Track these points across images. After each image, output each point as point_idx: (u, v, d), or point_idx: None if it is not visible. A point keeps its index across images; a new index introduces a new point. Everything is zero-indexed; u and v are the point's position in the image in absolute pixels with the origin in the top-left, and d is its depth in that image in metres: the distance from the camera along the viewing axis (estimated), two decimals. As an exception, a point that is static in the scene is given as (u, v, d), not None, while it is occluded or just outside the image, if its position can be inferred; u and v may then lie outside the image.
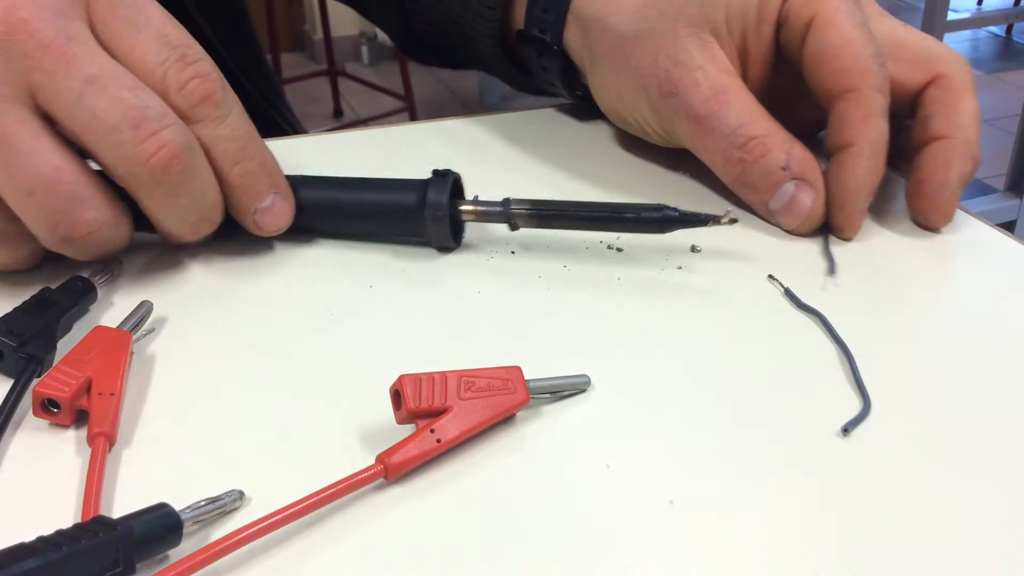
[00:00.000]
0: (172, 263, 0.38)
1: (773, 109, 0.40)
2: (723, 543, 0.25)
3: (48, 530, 0.23)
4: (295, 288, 0.36)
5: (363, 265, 0.38)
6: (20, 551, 0.22)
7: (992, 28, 3.53)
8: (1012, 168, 2.11)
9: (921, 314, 0.35)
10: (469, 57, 0.54)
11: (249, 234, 0.37)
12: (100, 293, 0.35)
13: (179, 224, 0.35)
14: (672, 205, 0.36)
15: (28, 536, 0.23)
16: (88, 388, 0.29)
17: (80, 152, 0.33)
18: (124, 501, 0.26)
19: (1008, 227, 1.96)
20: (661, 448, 0.28)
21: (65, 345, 0.32)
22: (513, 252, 0.39)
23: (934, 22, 3.13)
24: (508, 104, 2.90)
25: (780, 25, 0.41)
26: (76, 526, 0.23)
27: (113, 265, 0.36)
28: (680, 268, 0.38)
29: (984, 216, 0.42)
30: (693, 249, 0.39)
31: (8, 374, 0.31)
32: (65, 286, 0.33)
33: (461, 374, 0.29)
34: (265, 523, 0.24)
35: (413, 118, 2.58)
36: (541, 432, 0.29)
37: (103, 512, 0.25)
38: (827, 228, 0.40)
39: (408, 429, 0.28)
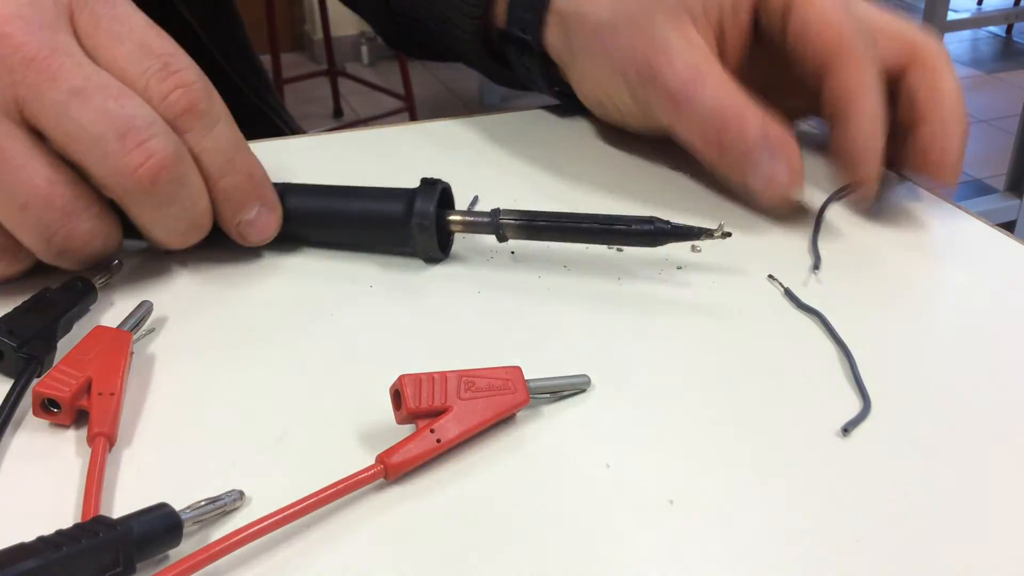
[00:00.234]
0: (172, 263, 0.38)
1: (751, 96, 0.41)
2: (723, 543, 0.25)
3: (48, 530, 0.23)
4: (295, 288, 0.36)
5: (363, 266, 0.38)
6: (20, 551, 0.22)
7: (992, 28, 3.53)
8: (1012, 168, 2.11)
9: (921, 314, 0.35)
10: (452, 52, 0.55)
11: None
12: (99, 294, 0.35)
13: (168, 233, 0.35)
14: (665, 214, 0.36)
15: (28, 536, 0.23)
16: (88, 388, 0.29)
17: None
18: (124, 501, 0.26)
19: (1008, 227, 1.96)
20: (661, 448, 0.28)
21: (65, 345, 0.32)
22: (513, 252, 0.39)
23: (934, 22, 3.13)
24: (508, 104, 2.90)
25: (758, 10, 0.42)
26: (76, 526, 0.23)
27: (113, 268, 0.36)
28: (680, 268, 0.38)
29: (984, 216, 0.42)
30: (693, 249, 0.39)
31: (8, 374, 0.31)
32: (65, 286, 0.33)
33: (461, 374, 0.29)
34: (265, 523, 0.24)
35: (413, 118, 2.58)
36: (541, 432, 0.29)
37: (103, 512, 0.25)
38: (818, 222, 0.40)
39: (407, 429, 0.28)
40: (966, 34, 3.49)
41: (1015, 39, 3.53)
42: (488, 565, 0.24)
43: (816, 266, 0.38)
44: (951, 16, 3.18)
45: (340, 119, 2.92)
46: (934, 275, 0.38)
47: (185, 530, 0.25)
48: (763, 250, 0.39)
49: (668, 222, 0.36)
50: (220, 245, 0.37)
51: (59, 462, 0.28)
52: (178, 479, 0.27)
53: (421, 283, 0.37)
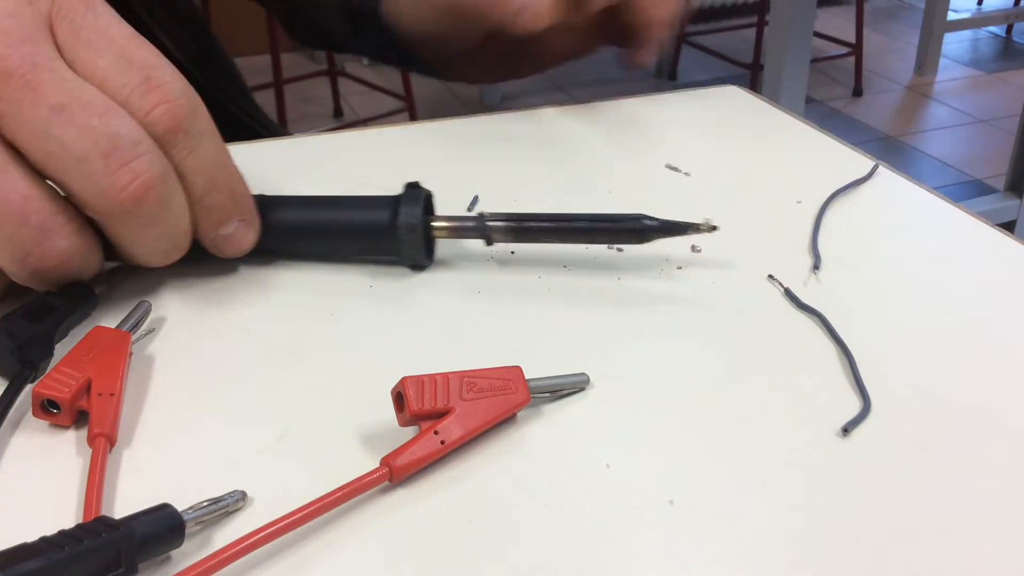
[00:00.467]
0: (171, 263, 0.38)
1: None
2: (723, 543, 0.25)
3: (50, 531, 0.23)
4: (296, 290, 0.36)
5: (354, 274, 0.38)
6: (23, 551, 0.22)
7: (992, 28, 3.53)
8: (1012, 168, 2.11)
9: (921, 314, 0.35)
10: (337, 37, 0.59)
11: None
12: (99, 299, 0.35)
13: (150, 253, 0.34)
14: (665, 214, 0.36)
15: (30, 537, 0.23)
16: (88, 389, 0.29)
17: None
18: (125, 502, 0.26)
19: (1008, 227, 1.96)
20: (661, 448, 0.28)
21: (62, 350, 0.31)
22: (513, 252, 0.39)
23: (934, 22, 3.14)
24: (508, 104, 2.90)
25: None
26: (78, 526, 0.23)
27: (116, 276, 0.35)
28: (680, 268, 0.38)
29: (984, 216, 0.42)
30: (693, 249, 0.39)
31: (4, 376, 0.31)
32: (67, 292, 0.33)
33: (463, 375, 0.29)
34: (272, 528, 0.24)
35: (413, 118, 2.58)
36: (542, 432, 0.29)
37: (104, 513, 0.25)
38: (818, 222, 0.40)
39: (410, 431, 0.28)
40: (966, 34, 3.49)
41: (1015, 39, 3.53)
42: (491, 565, 0.24)
43: (816, 266, 0.38)
44: (951, 16, 3.18)
45: (340, 119, 2.92)
46: (934, 275, 0.38)
47: (187, 531, 0.25)
48: (763, 250, 0.39)
49: (655, 218, 0.36)
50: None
51: (59, 463, 0.28)
52: (178, 479, 0.27)
53: (415, 287, 0.37)
